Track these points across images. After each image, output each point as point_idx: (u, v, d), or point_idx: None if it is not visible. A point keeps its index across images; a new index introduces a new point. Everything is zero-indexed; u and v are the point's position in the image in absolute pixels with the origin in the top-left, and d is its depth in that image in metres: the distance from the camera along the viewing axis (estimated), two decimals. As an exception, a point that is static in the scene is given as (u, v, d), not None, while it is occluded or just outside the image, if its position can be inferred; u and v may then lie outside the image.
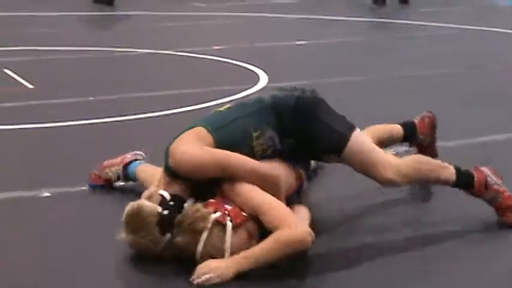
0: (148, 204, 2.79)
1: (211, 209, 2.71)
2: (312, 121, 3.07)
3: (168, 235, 2.74)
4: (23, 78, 6.29)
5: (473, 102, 5.48)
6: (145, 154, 3.64)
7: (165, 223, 2.74)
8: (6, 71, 6.58)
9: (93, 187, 3.61)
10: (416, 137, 3.67)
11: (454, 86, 6.10)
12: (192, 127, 2.96)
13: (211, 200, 2.78)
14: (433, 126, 3.71)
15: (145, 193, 2.91)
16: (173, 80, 6.46)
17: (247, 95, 5.63)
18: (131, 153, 3.62)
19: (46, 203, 3.52)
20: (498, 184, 3.11)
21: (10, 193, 3.61)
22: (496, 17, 10.49)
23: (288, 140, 3.05)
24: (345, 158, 3.06)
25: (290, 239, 2.68)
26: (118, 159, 3.61)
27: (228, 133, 2.93)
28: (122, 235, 2.80)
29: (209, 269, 2.65)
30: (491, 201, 3.12)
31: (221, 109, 3.10)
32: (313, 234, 2.71)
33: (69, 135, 4.71)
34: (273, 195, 2.84)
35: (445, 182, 3.13)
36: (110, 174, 3.59)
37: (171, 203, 2.80)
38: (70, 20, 10.77)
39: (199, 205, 2.75)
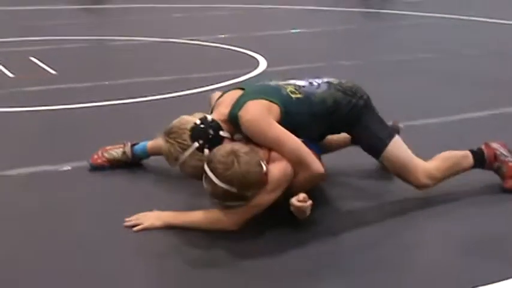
0: (189, 116, 2.83)
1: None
2: (358, 125, 3.08)
3: (196, 144, 2.75)
4: (47, 65, 6.32)
5: (451, 84, 5.51)
6: (154, 133, 3.64)
7: (198, 132, 2.76)
8: (32, 58, 6.61)
9: (95, 167, 3.53)
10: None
11: (435, 69, 6.10)
12: (269, 100, 2.90)
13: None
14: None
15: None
16: (181, 65, 6.45)
17: (250, 78, 5.68)
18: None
19: (67, 176, 3.54)
20: (505, 155, 3.14)
21: (35, 167, 3.63)
22: (473, 7, 10.42)
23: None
24: (382, 160, 3.08)
25: (217, 223, 2.76)
26: (120, 144, 3.57)
27: (290, 120, 2.89)
28: (158, 136, 2.92)
29: (141, 218, 2.83)
30: (497, 170, 3.15)
31: (292, 96, 2.97)
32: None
33: (87, 116, 4.72)
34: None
35: (467, 169, 3.14)
36: (114, 154, 3.54)
37: (210, 124, 2.82)
38: (85, 12, 10.80)
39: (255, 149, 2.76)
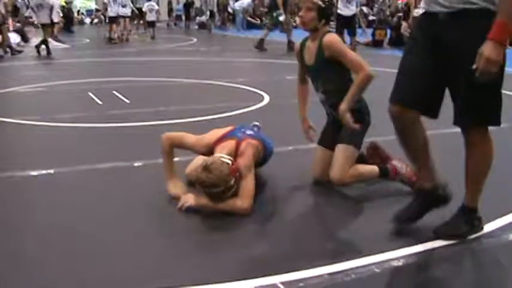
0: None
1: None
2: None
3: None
4: (123, 96, 6.35)
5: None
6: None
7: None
8: (114, 92, 6.65)
9: None
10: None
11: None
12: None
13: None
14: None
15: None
16: (212, 98, 6.41)
17: (255, 108, 5.62)
18: None
19: (137, 170, 3.55)
20: (403, 169, 2.98)
21: (115, 163, 3.65)
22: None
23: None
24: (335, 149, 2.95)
25: (233, 208, 2.72)
26: None
27: None
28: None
29: (185, 199, 2.78)
30: (402, 181, 3.00)
31: None
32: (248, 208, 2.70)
33: (149, 129, 4.74)
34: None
35: (374, 178, 3.01)
36: None
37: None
38: (150, 63, 10.84)
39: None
